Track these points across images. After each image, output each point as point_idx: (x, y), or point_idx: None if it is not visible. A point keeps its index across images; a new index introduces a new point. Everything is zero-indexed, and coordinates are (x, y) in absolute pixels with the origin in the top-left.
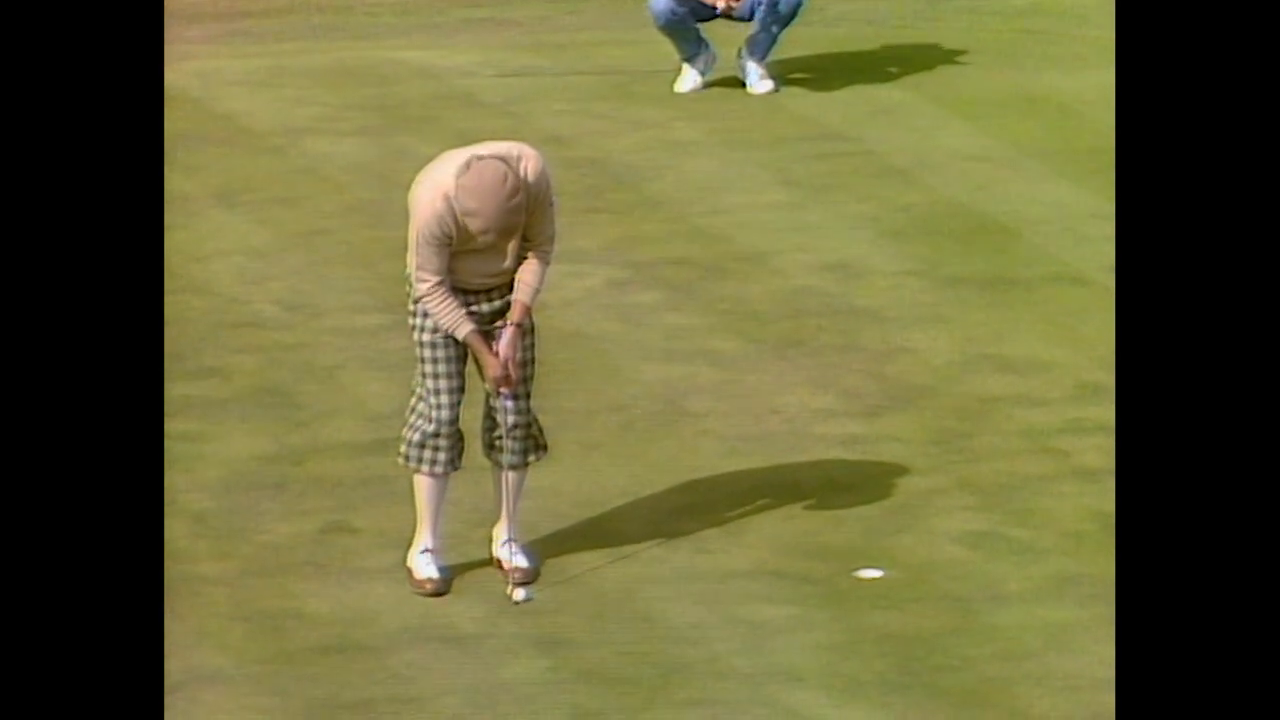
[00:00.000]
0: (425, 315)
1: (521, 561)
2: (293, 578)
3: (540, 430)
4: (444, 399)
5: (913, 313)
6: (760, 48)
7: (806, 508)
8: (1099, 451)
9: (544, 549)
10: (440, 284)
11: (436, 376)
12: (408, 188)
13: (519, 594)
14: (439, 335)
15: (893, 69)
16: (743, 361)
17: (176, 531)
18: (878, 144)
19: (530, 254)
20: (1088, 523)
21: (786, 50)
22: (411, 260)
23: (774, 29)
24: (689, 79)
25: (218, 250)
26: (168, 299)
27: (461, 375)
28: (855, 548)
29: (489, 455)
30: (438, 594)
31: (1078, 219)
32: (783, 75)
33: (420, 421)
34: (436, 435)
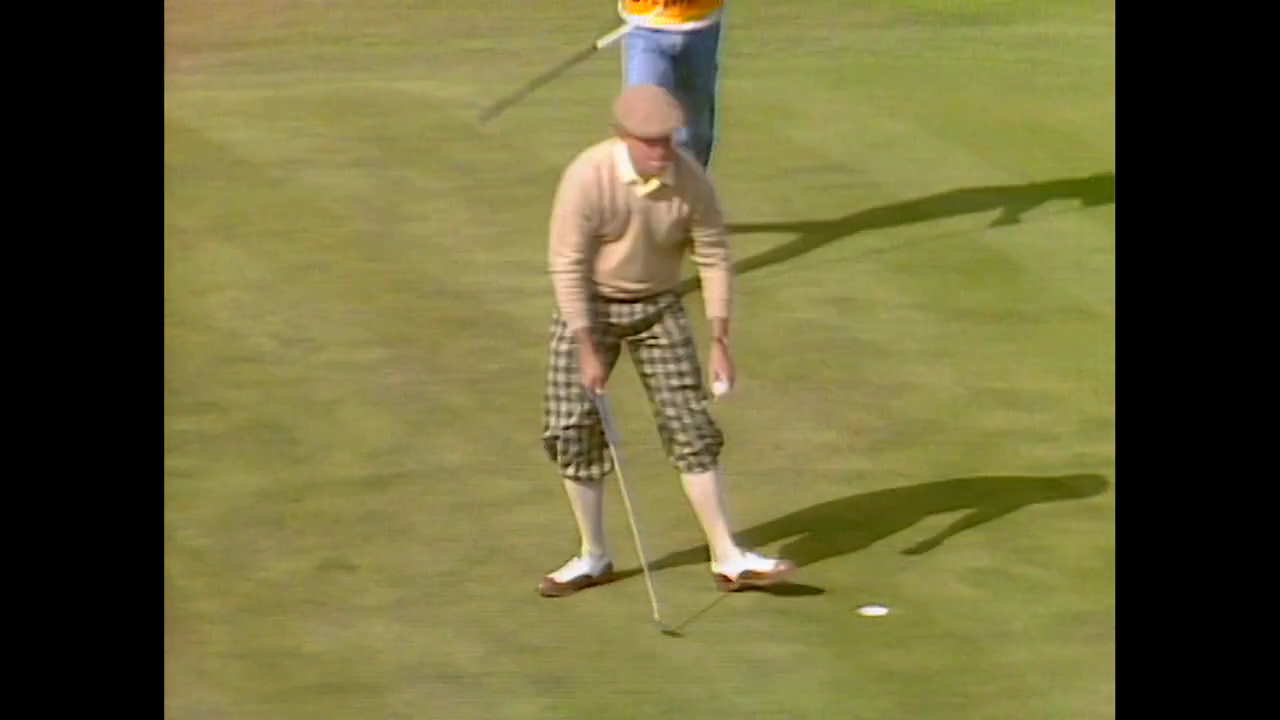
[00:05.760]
0: (564, 325)
1: (768, 564)
2: (291, 615)
3: (715, 426)
4: (563, 406)
5: (917, 347)
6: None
7: (810, 544)
8: (1106, 487)
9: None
10: (577, 264)
11: (568, 384)
12: (407, 220)
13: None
14: (576, 346)
15: (897, 100)
16: (745, 396)
17: (174, 569)
18: (882, 176)
19: (703, 260)
20: (1095, 560)
21: (789, 80)
22: (552, 240)
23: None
24: None
25: (214, 284)
26: (164, 333)
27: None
28: (859, 585)
29: (678, 470)
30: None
31: (1084, 251)
32: (785, 105)
33: (545, 428)
34: (555, 439)
